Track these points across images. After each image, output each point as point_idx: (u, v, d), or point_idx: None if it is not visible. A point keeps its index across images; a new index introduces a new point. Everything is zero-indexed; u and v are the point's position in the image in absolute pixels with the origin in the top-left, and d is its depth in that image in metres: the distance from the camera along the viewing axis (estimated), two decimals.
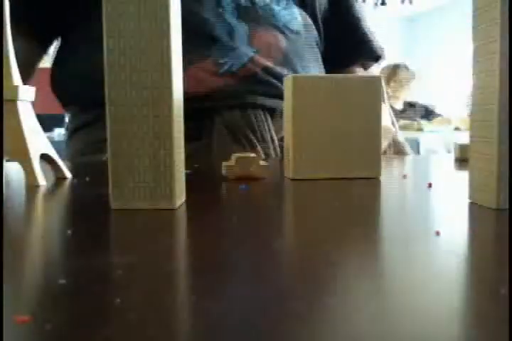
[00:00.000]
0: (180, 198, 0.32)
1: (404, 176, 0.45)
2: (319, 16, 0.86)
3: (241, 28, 0.76)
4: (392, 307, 0.15)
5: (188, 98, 0.70)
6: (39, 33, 0.83)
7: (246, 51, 0.75)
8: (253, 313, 0.14)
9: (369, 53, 0.93)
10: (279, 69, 0.76)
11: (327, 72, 0.89)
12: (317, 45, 0.87)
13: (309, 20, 0.85)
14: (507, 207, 0.29)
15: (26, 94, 0.43)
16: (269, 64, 0.76)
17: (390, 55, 1.02)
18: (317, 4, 0.85)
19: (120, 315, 0.14)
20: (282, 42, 0.78)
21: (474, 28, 0.31)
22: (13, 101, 0.41)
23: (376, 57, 0.94)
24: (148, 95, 0.30)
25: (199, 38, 0.75)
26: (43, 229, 0.27)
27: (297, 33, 0.81)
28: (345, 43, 0.90)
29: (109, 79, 0.30)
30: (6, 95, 0.41)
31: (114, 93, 0.30)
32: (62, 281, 0.17)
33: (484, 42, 0.30)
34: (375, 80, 0.45)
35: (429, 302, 0.15)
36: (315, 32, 0.86)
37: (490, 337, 0.12)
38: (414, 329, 0.13)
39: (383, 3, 3.90)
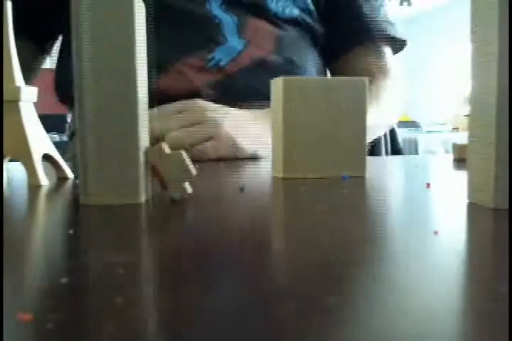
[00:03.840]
0: (147, 193, 0.34)
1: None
2: (314, 6, 0.82)
3: (229, 20, 0.74)
4: (391, 306, 0.15)
5: (171, 96, 0.69)
6: (36, 34, 0.82)
7: (235, 44, 0.73)
8: (253, 313, 0.14)
9: (372, 33, 0.84)
10: (272, 58, 0.74)
11: (328, 61, 0.85)
12: (314, 36, 0.83)
13: (308, 9, 0.81)
14: (506, 207, 0.29)
15: (28, 95, 0.43)
16: (261, 54, 0.74)
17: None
18: None
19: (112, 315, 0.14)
20: (274, 30, 0.76)
21: (472, 28, 0.32)
22: (16, 102, 0.42)
23: (387, 38, 0.85)
24: (115, 97, 0.31)
25: (186, 34, 0.73)
26: (44, 229, 0.27)
27: (290, 22, 0.78)
28: (348, 26, 0.85)
29: (79, 81, 0.31)
30: (8, 96, 0.41)
31: (83, 94, 0.31)
32: (64, 280, 0.17)
33: (482, 43, 0.31)
34: (360, 82, 0.47)
35: (428, 301, 0.15)
36: (312, 22, 0.82)
37: (490, 337, 0.13)
38: (413, 328, 0.13)
39: None
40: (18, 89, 0.42)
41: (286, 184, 0.43)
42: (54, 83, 0.84)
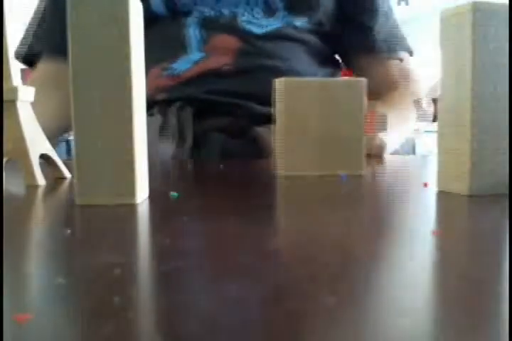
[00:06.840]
0: (143, 194, 0.34)
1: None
2: (324, 19, 0.86)
3: (198, 36, 0.81)
4: (388, 305, 0.15)
5: None
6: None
7: (194, 57, 0.81)
8: (252, 313, 0.14)
9: (384, 47, 0.92)
10: (226, 68, 0.80)
11: (350, 63, 0.92)
12: (311, 46, 0.87)
13: (304, 26, 0.85)
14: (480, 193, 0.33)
15: (26, 95, 0.43)
16: (216, 65, 0.80)
17: None
18: (321, 9, 0.85)
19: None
20: (237, 44, 0.81)
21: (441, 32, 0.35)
22: (13, 101, 0.42)
23: (403, 50, 0.94)
24: (111, 97, 0.32)
25: (158, 46, 0.81)
26: (40, 229, 0.27)
27: (263, 37, 0.82)
28: (361, 39, 0.91)
29: (74, 83, 0.31)
30: (5, 96, 0.41)
31: (79, 95, 0.31)
32: (61, 280, 0.17)
33: (454, 47, 0.33)
34: (359, 83, 0.48)
35: (427, 301, 0.15)
36: (308, 36, 0.86)
37: (490, 337, 0.13)
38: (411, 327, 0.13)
39: None
40: (15, 89, 0.41)
41: (288, 182, 0.43)
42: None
